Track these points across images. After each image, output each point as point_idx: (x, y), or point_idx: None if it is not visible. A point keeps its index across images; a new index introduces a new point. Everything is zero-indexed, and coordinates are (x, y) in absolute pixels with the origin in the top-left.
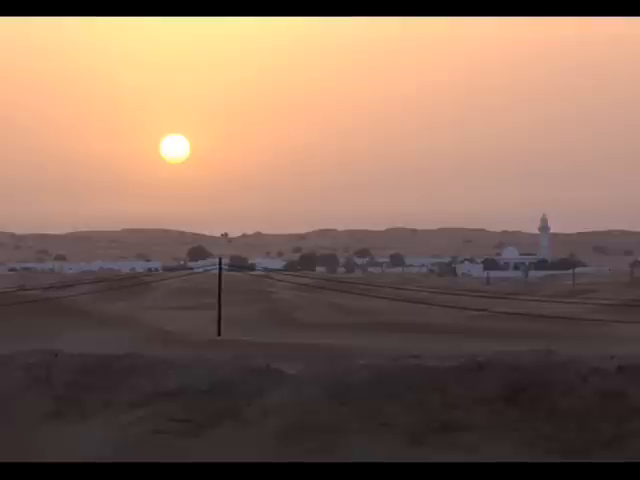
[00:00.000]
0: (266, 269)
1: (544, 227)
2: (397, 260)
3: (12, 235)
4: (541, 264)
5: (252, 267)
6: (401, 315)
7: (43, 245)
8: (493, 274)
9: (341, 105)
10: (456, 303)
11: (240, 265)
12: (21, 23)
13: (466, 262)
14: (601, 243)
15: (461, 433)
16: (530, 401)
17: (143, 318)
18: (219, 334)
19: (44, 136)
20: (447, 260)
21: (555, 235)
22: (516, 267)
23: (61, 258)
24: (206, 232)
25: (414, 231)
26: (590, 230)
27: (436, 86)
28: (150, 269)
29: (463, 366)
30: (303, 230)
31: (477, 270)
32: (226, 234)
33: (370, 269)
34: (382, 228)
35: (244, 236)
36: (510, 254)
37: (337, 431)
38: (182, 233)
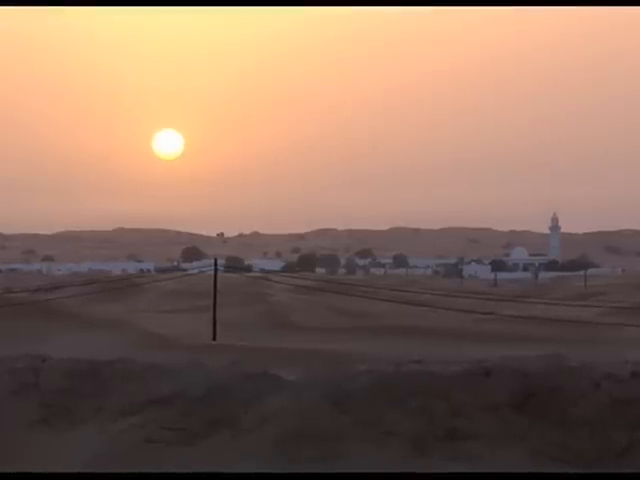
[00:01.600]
0: (263, 270)
1: (554, 226)
2: (401, 261)
3: (0, 235)
4: (551, 265)
5: (249, 268)
6: (404, 318)
7: (30, 245)
8: (501, 275)
9: (340, 99)
10: (462, 306)
11: (236, 266)
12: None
13: (473, 263)
14: (613, 243)
15: (466, 442)
16: (539, 408)
17: (135, 321)
18: (214, 338)
19: (31, 132)
20: (453, 261)
21: (566, 235)
22: (525, 268)
23: (49, 259)
24: (201, 232)
25: (417, 231)
26: (602, 230)
27: (440, 79)
28: (142, 270)
29: (468, 371)
30: (302, 230)
31: (484, 271)
32: (222, 234)
33: (372, 270)
34: (384, 228)
35: (240, 236)
36: (519, 255)
37: (338, 439)
38: (176, 233)
